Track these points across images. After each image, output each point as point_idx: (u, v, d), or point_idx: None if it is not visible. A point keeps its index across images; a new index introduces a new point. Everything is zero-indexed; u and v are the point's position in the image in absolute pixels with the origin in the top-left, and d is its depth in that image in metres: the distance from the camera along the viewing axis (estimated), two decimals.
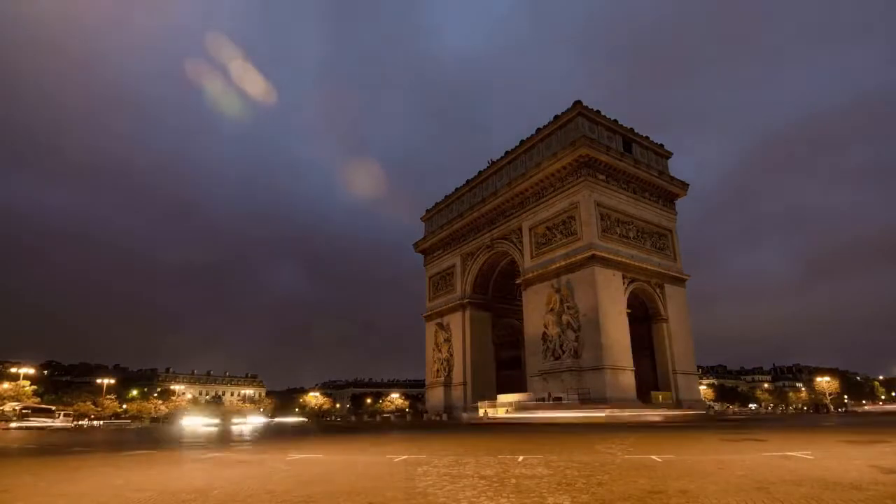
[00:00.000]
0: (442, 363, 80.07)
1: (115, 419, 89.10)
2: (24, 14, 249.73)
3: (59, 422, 60.60)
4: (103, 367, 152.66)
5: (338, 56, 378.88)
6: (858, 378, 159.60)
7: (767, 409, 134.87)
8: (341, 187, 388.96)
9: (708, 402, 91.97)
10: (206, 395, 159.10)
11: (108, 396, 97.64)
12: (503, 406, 54.19)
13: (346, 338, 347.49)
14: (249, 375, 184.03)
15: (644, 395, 55.19)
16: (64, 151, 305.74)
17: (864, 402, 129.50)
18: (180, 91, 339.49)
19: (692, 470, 10.25)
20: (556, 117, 64.17)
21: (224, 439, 28.76)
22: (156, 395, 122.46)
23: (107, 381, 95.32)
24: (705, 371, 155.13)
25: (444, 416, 70.27)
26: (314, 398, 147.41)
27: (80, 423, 71.93)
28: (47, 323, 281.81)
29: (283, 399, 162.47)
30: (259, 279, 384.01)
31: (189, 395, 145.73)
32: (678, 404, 56.75)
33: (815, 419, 47.47)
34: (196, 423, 69.28)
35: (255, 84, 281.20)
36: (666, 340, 60.63)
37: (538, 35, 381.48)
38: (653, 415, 46.72)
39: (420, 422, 69.22)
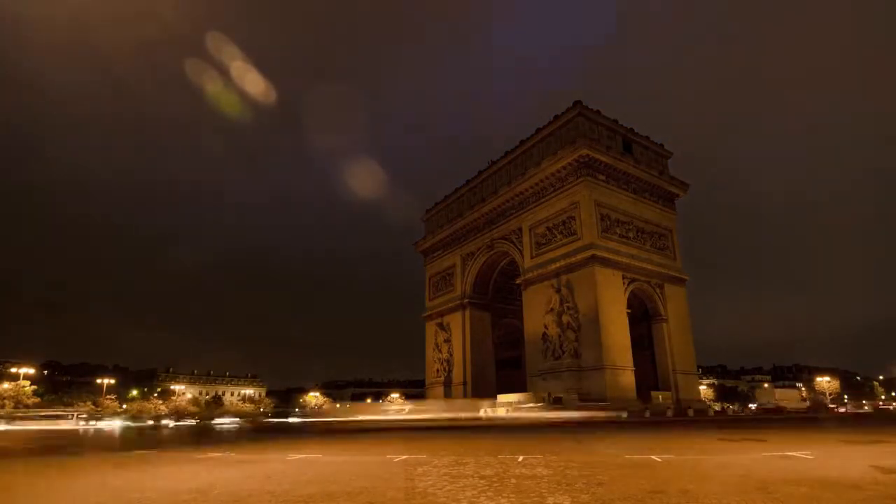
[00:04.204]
0: (442, 363, 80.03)
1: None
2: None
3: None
4: (103, 367, 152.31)
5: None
6: (858, 378, 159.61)
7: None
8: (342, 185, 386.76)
9: (708, 402, 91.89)
10: (207, 395, 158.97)
11: (109, 396, 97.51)
12: (503, 406, 54.10)
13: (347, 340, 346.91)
14: (250, 375, 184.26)
15: (644, 395, 55.16)
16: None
17: (864, 402, 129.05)
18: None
19: (693, 470, 10.24)
20: (556, 117, 64.04)
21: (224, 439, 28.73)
22: (156, 394, 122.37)
23: (107, 381, 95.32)
24: (705, 371, 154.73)
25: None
26: (314, 398, 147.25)
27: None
28: (47, 323, 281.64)
29: (283, 399, 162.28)
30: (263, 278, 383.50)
31: (189, 395, 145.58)
32: (678, 404, 56.76)
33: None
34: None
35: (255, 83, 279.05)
36: (666, 340, 60.59)
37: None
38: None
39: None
